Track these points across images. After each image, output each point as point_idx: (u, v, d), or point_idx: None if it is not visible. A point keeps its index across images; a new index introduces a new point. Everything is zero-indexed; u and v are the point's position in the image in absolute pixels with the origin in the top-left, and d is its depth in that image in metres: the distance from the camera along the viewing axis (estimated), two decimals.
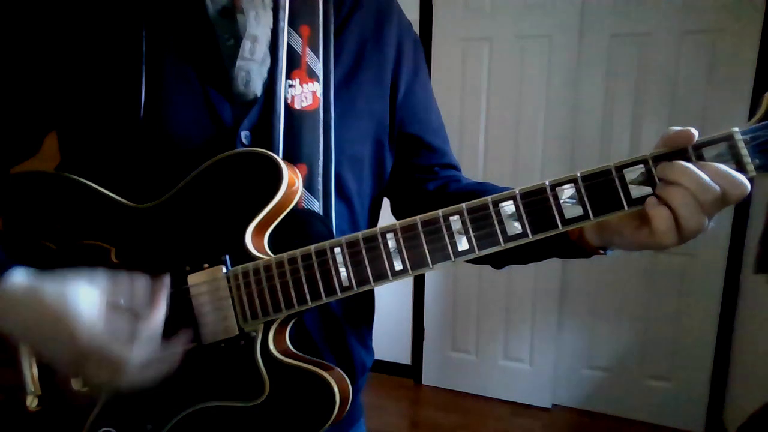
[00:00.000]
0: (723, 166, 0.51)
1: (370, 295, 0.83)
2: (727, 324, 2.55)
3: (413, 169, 0.83)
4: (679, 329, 2.65)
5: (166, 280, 0.63)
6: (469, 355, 3.06)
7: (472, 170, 2.81)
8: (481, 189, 0.75)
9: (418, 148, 0.82)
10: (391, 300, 3.12)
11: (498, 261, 0.74)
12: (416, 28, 0.86)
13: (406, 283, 3.09)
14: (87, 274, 0.60)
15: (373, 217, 0.83)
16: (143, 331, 0.59)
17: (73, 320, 0.57)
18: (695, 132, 0.52)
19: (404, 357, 3.24)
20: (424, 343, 3.15)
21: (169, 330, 0.64)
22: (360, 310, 0.82)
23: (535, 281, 2.81)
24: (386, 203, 0.86)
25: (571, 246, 0.66)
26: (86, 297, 0.58)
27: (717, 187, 0.50)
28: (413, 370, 3.22)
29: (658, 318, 2.68)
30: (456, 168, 0.86)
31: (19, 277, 0.60)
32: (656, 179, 0.53)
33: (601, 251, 0.64)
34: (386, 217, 0.77)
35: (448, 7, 2.79)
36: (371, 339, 0.86)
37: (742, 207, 2.40)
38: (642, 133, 2.59)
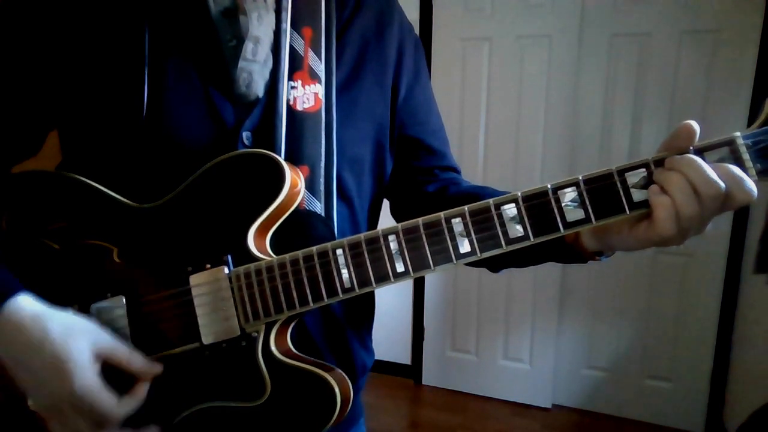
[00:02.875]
0: (737, 169, 0.51)
1: (371, 296, 0.83)
2: (727, 324, 2.55)
3: (413, 171, 0.83)
4: (679, 329, 2.65)
5: (158, 367, 0.65)
6: (469, 355, 3.06)
7: (471, 170, 2.82)
8: (480, 192, 0.75)
9: (418, 150, 0.83)
10: (391, 300, 3.12)
11: (496, 264, 0.75)
12: (416, 28, 0.86)
13: (407, 284, 3.08)
14: (95, 325, 0.63)
15: (373, 219, 0.83)
16: (119, 417, 0.61)
17: (73, 362, 0.58)
18: (696, 127, 0.52)
19: (404, 357, 3.24)
20: (424, 343, 3.15)
21: (170, 333, 0.65)
22: (361, 311, 0.82)
23: (535, 281, 2.81)
24: (386, 204, 0.86)
25: (568, 251, 0.66)
26: (87, 344, 0.60)
27: (722, 185, 0.50)
28: (413, 370, 3.22)
29: (658, 318, 2.68)
30: (456, 170, 0.86)
31: (26, 303, 0.60)
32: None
33: (597, 257, 0.64)
34: (386, 218, 0.77)
35: (448, 7, 2.79)
36: (371, 340, 0.86)
37: (742, 207, 2.40)
38: (642, 133, 2.59)
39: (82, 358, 0.59)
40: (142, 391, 0.63)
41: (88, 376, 0.59)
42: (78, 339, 0.60)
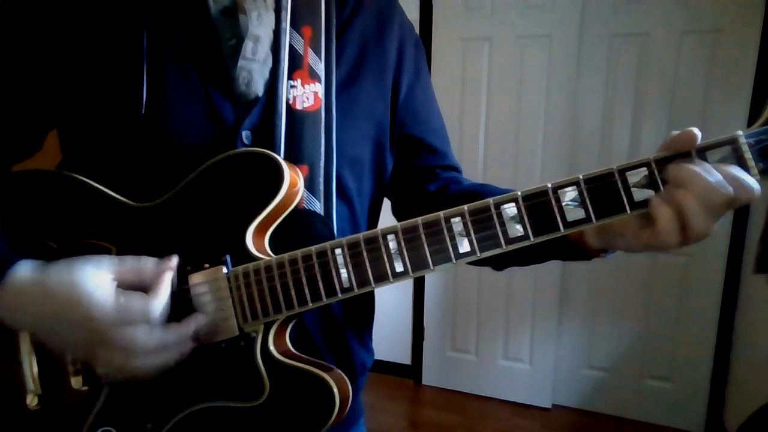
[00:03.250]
0: (736, 169, 0.51)
1: (371, 296, 0.83)
2: (727, 324, 2.55)
3: (414, 171, 0.83)
4: (679, 329, 2.65)
5: (174, 260, 0.63)
6: (469, 355, 3.06)
7: (471, 170, 2.81)
8: (482, 190, 0.75)
9: (418, 149, 0.82)
10: (391, 300, 3.12)
11: (499, 263, 0.74)
12: (416, 28, 0.86)
13: (407, 284, 3.08)
14: (93, 259, 0.60)
15: (374, 218, 0.83)
16: (153, 308, 0.58)
17: (87, 300, 0.57)
18: (698, 133, 0.52)
19: (404, 357, 3.24)
20: (424, 343, 3.15)
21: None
22: (360, 311, 0.82)
23: (535, 281, 2.81)
24: (387, 204, 0.86)
25: (572, 249, 0.66)
26: (95, 277, 0.58)
27: (730, 189, 0.50)
28: (413, 370, 3.22)
29: (658, 318, 2.68)
30: (457, 169, 0.86)
31: (25, 269, 0.60)
32: (659, 182, 0.53)
33: (602, 254, 0.64)
34: (387, 218, 0.77)
35: (448, 7, 2.79)
36: (371, 339, 0.86)
37: (742, 207, 2.40)
38: (642, 132, 2.59)
39: (90, 288, 0.57)
40: (166, 283, 0.61)
41: (104, 300, 0.57)
42: (80, 275, 0.58)
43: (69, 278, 0.58)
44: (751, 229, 2.44)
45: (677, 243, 0.53)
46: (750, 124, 0.52)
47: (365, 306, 0.83)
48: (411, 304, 3.16)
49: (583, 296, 2.82)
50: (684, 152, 0.53)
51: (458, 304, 3.04)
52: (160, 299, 0.59)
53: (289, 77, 0.70)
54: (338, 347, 0.77)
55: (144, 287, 0.60)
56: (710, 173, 0.51)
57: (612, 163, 0.54)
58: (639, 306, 2.71)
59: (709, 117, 2.44)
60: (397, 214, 0.87)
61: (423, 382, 3.19)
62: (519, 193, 0.56)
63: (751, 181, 0.50)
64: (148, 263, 0.62)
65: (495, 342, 2.99)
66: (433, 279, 3.06)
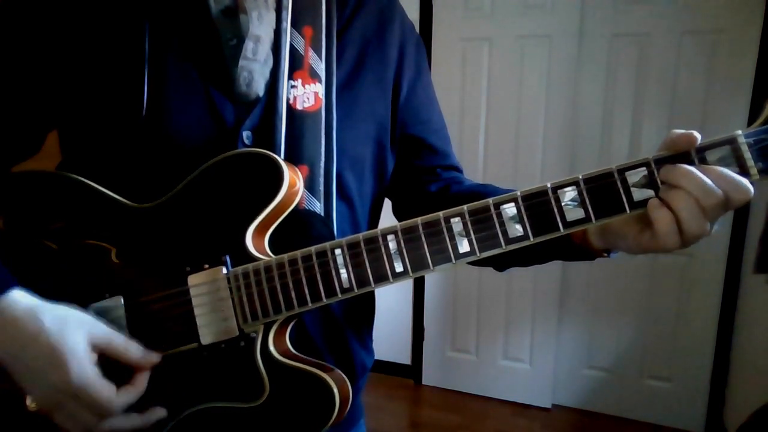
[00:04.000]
0: (726, 170, 0.51)
1: (371, 296, 0.83)
2: (727, 324, 2.55)
3: (415, 171, 0.83)
4: (679, 329, 2.65)
5: (156, 356, 0.64)
6: (469, 355, 3.06)
7: (472, 170, 2.81)
8: (483, 191, 0.75)
9: (419, 149, 0.82)
10: (391, 300, 3.12)
11: (500, 263, 0.74)
12: (416, 28, 0.86)
13: (407, 284, 3.08)
14: (88, 320, 0.62)
15: (374, 218, 0.83)
16: (117, 408, 0.60)
17: (68, 363, 0.58)
18: (698, 135, 0.52)
19: (404, 357, 3.24)
20: (424, 343, 3.15)
21: (168, 333, 0.65)
22: (360, 312, 0.82)
23: (535, 281, 2.81)
24: (387, 204, 0.86)
25: (575, 249, 0.66)
26: (83, 344, 0.59)
27: (720, 191, 0.50)
28: (413, 370, 3.22)
29: (658, 318, 2.68)
30: (458, 169, 0.86)
31: (20, 297, 0.60)
32: (658, 182, 0.53)
33: (605, 254, 0.64)
34: (387, 219, 0.77)
35: (448, 7, 2.79)
36: (371, 340, 0.86)
37: (742, 207, 2.40)
38: (642, 132, 2.59)
39: (78, 349, 0.58)
40: (142, 381, 0.63)
41: (84, 367, 0.58)
42: (73, 330, 0.59)
43: (61, 321, 0.59)
44: (751, 229, 2.44)
45: (676, 245, 0.54)
46: (750, 123, 0.52)
47: (365, 306, 0.83)
48: (411, 304, 3.16)
49: (583, 296, 2.82)
50: (683, 152, 0.53)
51: (458, 304, 3.04)
52: (128, 398, 0.61)
53: (290, 77, 0.70)
54: (338, 348, 0.77)
55: (123, 365, 0.62)
56: (702, 175, 0.51)
57: (612, 162, 0.54)
58: (639, 306, 2.71)
59: (709, 117, 2.44)
60: (398, 214, 0.87)
61: (423, 382, 3.18)
62: (518, 193, 0.56)
63: (744, 183, 0.50)
64: (134, 351, 0.63)
65: (495, 342, 2.99)
66: (433, 279, 3.06)
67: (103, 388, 0.59)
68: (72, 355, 0.58)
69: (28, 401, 0.66)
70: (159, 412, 0.64)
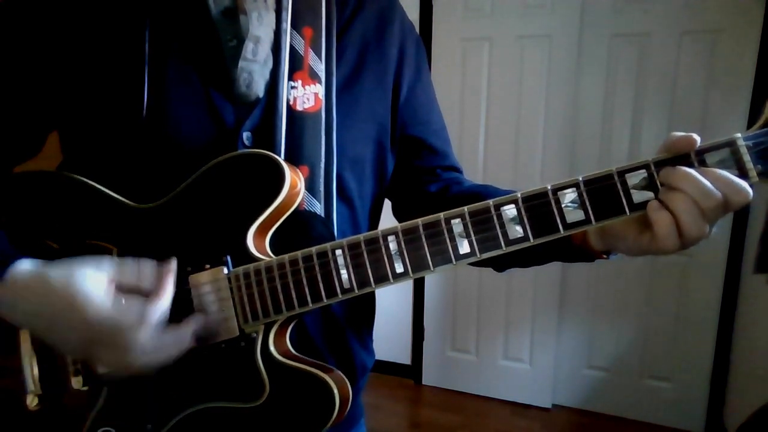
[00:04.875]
0: (725, 173, 0.51)
1: (371, 296, 0.83)
2: (727, 324, 2.55)
3: (415, 171, 0.83)
4: (679, 329, 2.66)
5: (173, 263, 0.63)
6: (469, 355, 3.06)
7: (471, 170, 2.81)
8: (483, 191, 0.75)
9: (419, 149, 0.82)
10: (391, 300, 3.12)
11: (500, 264, 0.74)
12: (416, 28, 0.86)
13: (407, 284, 3.08)
14: (93, 260, 0.61)
15: (374, 219, 0.83)
16: (152, 311, 0.58)
17: (83, 302, 0.57)
18: (697, 138, 0.52)
19: (404, 357, 3.24)
20: (424, 343, 3.15)
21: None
22: (361, 312, 0.82)
23: (535, 281, 2.81)
24: (387, 204, 0.86)
25: (575, 250, 0.66)
26: (93, 280, 0.58)
27: (719, 194, 0.50)
28: (413, 370, 3.22)
29: (658, 318, 2.68)
30: (458, 170, 0.86)
31: (26, 267, 0.60)
32: (658, 184, 0.53)
33: (605, 256, 0.64)
34: (387, 219, 0.77)
35: (448, 7, 2.79)
36: (372, 340, 0.86)
37: (742, 208, 2.40)
38: (642, 133, 2.59)
39: (90, 289, 0.58)
40: (167, 287, 0.61)
41: (101, 302, 0.57)
42: (80, 275, 0.58)
43: (68, 278, 0.58)
44: (751, 230, 2.44)
45: (675, 247, 0.54)
46: (750, 124, 0.52)
47: (366, 307, 0.83)
48: (411, 304, 3.16)
49: (583, 296, 2.82)
50: (683, 155, 0.53)
51: (458, 304, 3.04)
52: (161, 303, 0.59)
53: (290, 78, 0.70)
54: (339, 348, 0.77)
55: (143, 290, 0.60)
56: (702, 177, 0.51)
57: (612, 163, 0.54)
58: (639, 306, 2.71)
59: (709, 117, 2.44)
60: (398, 214, 0.87)
61: (423, 382, 3.19)
62: (519, 195, 0.56)
63: (743, 185, 0.51)
64: (147, 266, 0.62)
65: (495, 342, 2.99)
66: (433, 279, 3.06)
67: (128, 304, 0.58)
68: (85, 297, 0.57)
69: (28, 400, 0.66)
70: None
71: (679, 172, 0.52)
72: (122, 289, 0.60)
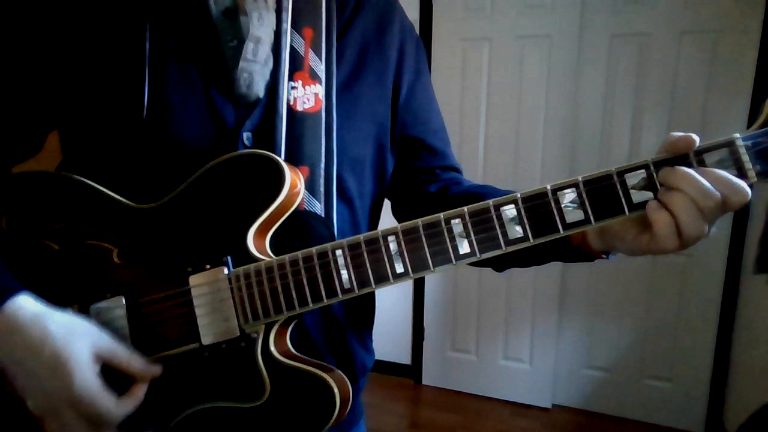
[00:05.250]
0: (724, 173, 0.51)
1: (371, 296, 0.83)
2: (727, 324, 2.55)
3: (414, 171, 0.83)
4: (679, 329, 2.66)
5: (158, 369, 0.65)
6: (469, 355, 3.06)
7: (471, 170, 2.81)
8: (482, 192, 0.75)
9: (419, 150, 0.82)
10: (391, 300, 3.12)
11: (499, 264, 0.75)
12: (416, 28, 0.86)
13: (407, 284, 3.08)
14: (92, 330, 0.62)
15: (374, 219, 0.83)
16: (116, 419, 0.60)
17: (71, 370, 0.58)
18: (696, 138, 0.52)
19: (404, 357, 3.24)
20: (424, 343, 3.15)
21: (170, 333, 0.65)
22: (361, 312, 0.82)
23: (535, 281, 2.81)
24: (387, 205, 0.86)
25: (574, 250, 0.66)
26: (88, 352, 0.60)
27: (717, 193, 0.51)
28: (413, 370, 3.22)
29: (658, 318, 2.68)
30: (457, 170, 0.86)
31: (26, 302, 0.60)
32: (657, 184, 0.53)
33: (604, 256, 0.64)
34: (387, 219, 0.77)
35: (448, 7, 2.79)
36: (371, 340, 0.86)
37: (742, 208, 2.40)
38: (642, 133, 2.59)
39: (82, 359, 0.59)
40: (140, 391, 0.63)
41: (87, 377, 0.58)
42: (78, 340, 0.59)
43: (66, 339, 0.59)
44: (750, 230, 2.44)
45: (674, 246, 0.54)
46: (750, 124, 0.52)
47: (366, 307, 0.83)
48: (411, 304, 3.16)
49: (583, 296, 2.82)
50: (682, 155, 0.53)
51: (458, 304, 3.04)
52: (127, 407, 0.61)
53: (290, 78, 0.70)
54: (339, 348, 0.77)
55: (123, 377, 0.63)
56: (701, 177, 0.51)
57: (612, 163, 0.55)
58: (639, 306, 2.71)
59: (709, 117, 2.44)
60: (397, 214, 0.87)
61: (423, 382, 3.19)
62: (518, 195, 0.56)
63: (742, 185, 0.51)
64: (136, 362, 0.63)
65: (495, 342, 2.99)
66: (433, 279, 3.06)
67: (104, 399, 0.59)
68: (76, 364, 0.58)
69: (28, 403, 0.66)
70: None
71: (678, 172, 0.52)
72: (105, 366, 0.62)
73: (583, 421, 2.82)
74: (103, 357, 0.61)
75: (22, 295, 0.60)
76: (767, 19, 2.30)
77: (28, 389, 0.60)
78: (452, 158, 0.87)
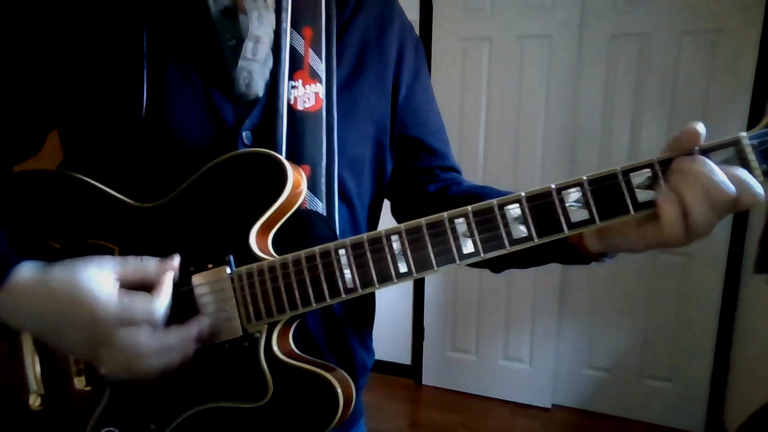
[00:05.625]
0: (742, 170, 0.50)
1: (371, 296, 0.83)
2: (727, 324, 2.55)
3: (414, 172, 0.83)
4: (679, 329, 2.66)
5: (176, 260, 0.63)
6: (469, 355, 3.06)
7: (471, 170, 2.82)
8: (482, 192, 0.75)
9: (418, 150, 0.82)
10: (391, 300, 3.12)
11: (498, 265, 0.74)
12: (416, 28, 0.86)
13: (407, 284, 3.08)
14: (95, 259, 0.61)
15: (374, 219, 0.83)
16: (157, 310, 0.59)
17: (90, 302, 0.57)
18: (701, 129, 0.52)
19: (404, 357, 3.24)
20: (424, 343, 3.15)
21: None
22: (361, 312, 0.82)
23: (535, 281, 2.81)
24: (387, 205, 0.86)
25: (572, 252, 0.65)
26: (98, 278, 0.59)
27: (732, 189, 0.50)
28: (413, 370, 3.22)
29: (658, 318, 2.69)
30: (456, 171, 0.86)
31: (27, 270, 0.60)
32: (662, 183, 0.53)
33: (601, 259, 0.64)
34: (387, 219, 0.77)
35: (448, 7, 2.79)
36: (372, 340, 0.86)
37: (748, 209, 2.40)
38: (642, 132, 2.59)
39: (95, 287, 0.58)
40: (166, 285, 0.61)
41: (108, 298, 0.57)
42: (83, 274, 0.58)
43: (71, 279, 0.58)
44: (751, 230, 2.44)
45: (680, 235, 0.53)
46: (750, 123, 0.52)
47: (366, 306, 0.83)
48: (411, 304, 3.16)
49: (583, 296, 2.82)
50: (687, 153, 0.53)
51: (458, 304, 3.04)
52: (163, 299, 0.60)
53: (290, 78, 0.70)
54: (339, 348, 0.77)
55: (147, 287, 0.61)
56: (717, 169, 0.50)
57: (612, 163, 0.54)
58: (639, 306, 2.71)
59: (709, 117, 2.44)
60: (397, 214, 0.87)
61: (423, 382, 3.19)
62: (523, 194, 0.56)
63: (758, 188, 0.50)
64: (150, 263, 0.62)
65: (495, 342, 2.99)
66: (433, 279, 3.06)
67: (135, 299, 0.58)
68: (91, 295, 0.57)
69: (31, 400, 0.66)
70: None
71: (697, 160, 0.51)
72: (126, 285, 0.60)
73: (583, 421, 2.82)
74: (114, 275, 0.60)
75: (21, 265, 0.60)
76: (767, 19, 2.30)
77: (64, 342, 0.61)
78: (452, 158, 0.87)
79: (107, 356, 0.59)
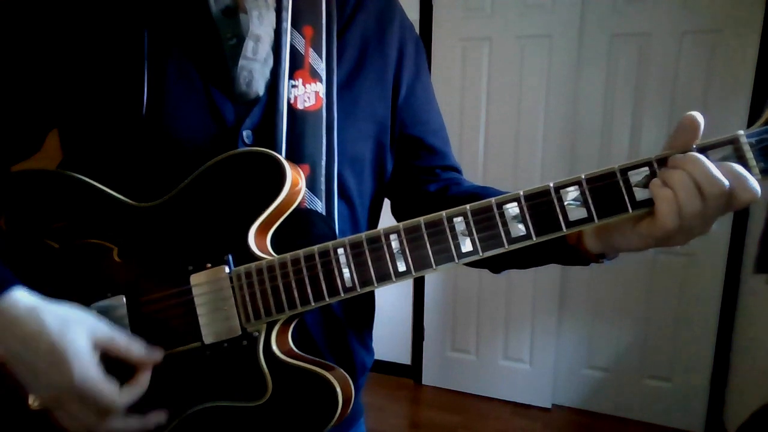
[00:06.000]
0: (739, 167, 0.51)
1: (371, 296, 0.83)
2: (727, 324, 2.55)
3: (414, 171, 0.83)
4: (679, 329, 2.65)
5: (158, 354, 0.64)
6: (469, 355, 3.06)
7: (471, 170, 2.81)
8: (482, 192, 0.75)
9: (418, 149, 0.82)
10: (391, 300, 3.12)
11: (497, 265, 0.74)
12: (416, 28, 0.86)
13: (407, 283, 3.08)
14: (90, 320, 0.62)
15: (374, 218, 0.83)
16: (118, 406, 0.60)
17: (71, 360, 0.58)
18: (699, 118, 0.52)
19: (404, 357, 3.24)
20: (424, 343, 3.15)
21: (171, 332, 0.65)
22: (361, 311, 0.82)
23: (535, 281, 2.81)
24: (387, 204, 0.86)
25: (570, 252, 0.65)
26: (86, 340, 0.59)
27: (725, 182, 0.50)
28: (413, 370, 3.22)
29: (658, 318, 2.68)
30: (457, 170, 0.86)
31: (22, 296, 0.60)
32: (658, 179, 0.53)
33: (600, 260, 0.64)
34: (387, 219, 0.77)
35: (448, 7, 2.79)
36: (371, 339, 0.86)
37: (746, 206, 2.40)
38: (642, 132, 2.59)
39: (80, 348, 0.58)
40: (144, 379, 0.63)
41: (87, 366, 0.58)
42: (75, 329, 0.59)
43: (62, 329, 0.59)
44: (751, 229, 2.44)
45: (675, 228, 0.52)
46: (750, 123, 0.52)
47: (366, 306, 0.83)
48: (411, 304, 3.16)
49: (583, 296, 2.82)
50: (686, 151, 0.53)
51: (458, 304, 3.04)
52: (132, 394, 0.62)
53: (291, 77, 0.70)
54: (339, 347, 0.77)
55: (124, 366, 0.62)
56: (708, 162, 0.51)
57: (612, 162, 0.54)
58: (639, 306, 2.71)
59: (709, 117, 2.37)
60: (397, 214, 0.87)
61: (423, 382, 3.18)
62: (521, 193, 0.56)
63: (754, 183, 0.50)
64: (135, 347, 0.63)
65: (495, 342, 2.99)
66: (433, 279, 3.06)
67: (106, 387, 0.59)
68: (74, 355, 0.58)
69: (31, 400, 0.66)
70: (158, 416, 0.64)
71: (690, 155, 0.52)
72: (106, 355, 0.61)
73: (583, 421, 2.82)
74: (101, 345, 0.61)
75: (17, 289, 0.60)
76: (767, 19, 2.30)
77: (31, 383, 0.60)
78: (452, 158, 0.87)
79: (60, 416, 0.61)
